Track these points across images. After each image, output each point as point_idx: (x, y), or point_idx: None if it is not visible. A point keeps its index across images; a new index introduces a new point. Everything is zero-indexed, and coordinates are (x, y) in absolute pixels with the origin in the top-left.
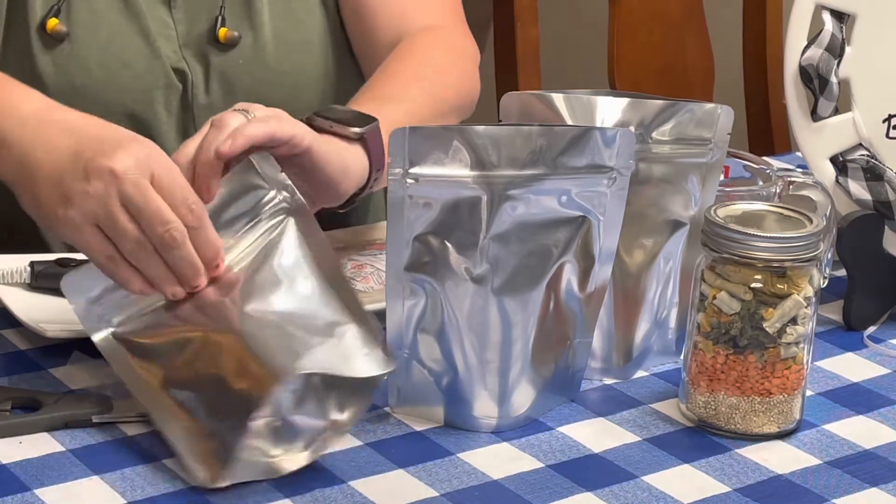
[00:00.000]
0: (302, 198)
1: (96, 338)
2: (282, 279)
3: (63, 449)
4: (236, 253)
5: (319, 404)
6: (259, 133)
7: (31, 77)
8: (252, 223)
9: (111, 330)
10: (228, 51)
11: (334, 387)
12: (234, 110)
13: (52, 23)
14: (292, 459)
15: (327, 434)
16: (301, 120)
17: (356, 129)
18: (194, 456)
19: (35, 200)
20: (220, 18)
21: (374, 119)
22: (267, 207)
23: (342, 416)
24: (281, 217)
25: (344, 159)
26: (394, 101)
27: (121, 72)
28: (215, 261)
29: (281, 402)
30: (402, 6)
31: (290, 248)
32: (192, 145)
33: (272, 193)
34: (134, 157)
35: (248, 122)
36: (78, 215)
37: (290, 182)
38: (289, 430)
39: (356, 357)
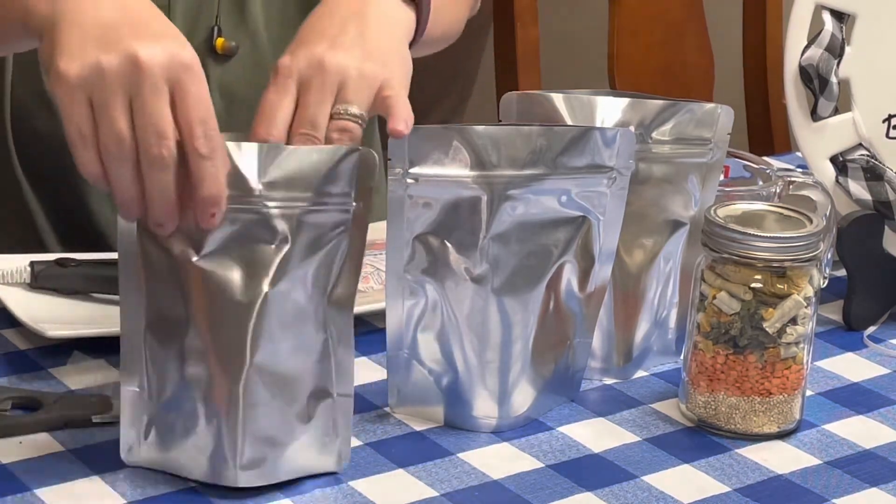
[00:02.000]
0: (363, 212)
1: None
2: (307, 310)
3: (63, 449)
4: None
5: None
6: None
7: (42, 92)
8: (313, 206)
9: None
10: (227, 61)
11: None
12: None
13: None
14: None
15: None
16: None
17: None
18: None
19: (51, 44)
20: (216, 29)
21: None
22: (335, 206)
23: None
24: (340, 226)
25: (404, 26)
26: None
27: None
28: (207, 208)
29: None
30: None
31: (332, 271)
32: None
33: (343, 197)
34: (167, 54)
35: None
36: (76, 77)
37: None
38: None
39: (312, 451)
